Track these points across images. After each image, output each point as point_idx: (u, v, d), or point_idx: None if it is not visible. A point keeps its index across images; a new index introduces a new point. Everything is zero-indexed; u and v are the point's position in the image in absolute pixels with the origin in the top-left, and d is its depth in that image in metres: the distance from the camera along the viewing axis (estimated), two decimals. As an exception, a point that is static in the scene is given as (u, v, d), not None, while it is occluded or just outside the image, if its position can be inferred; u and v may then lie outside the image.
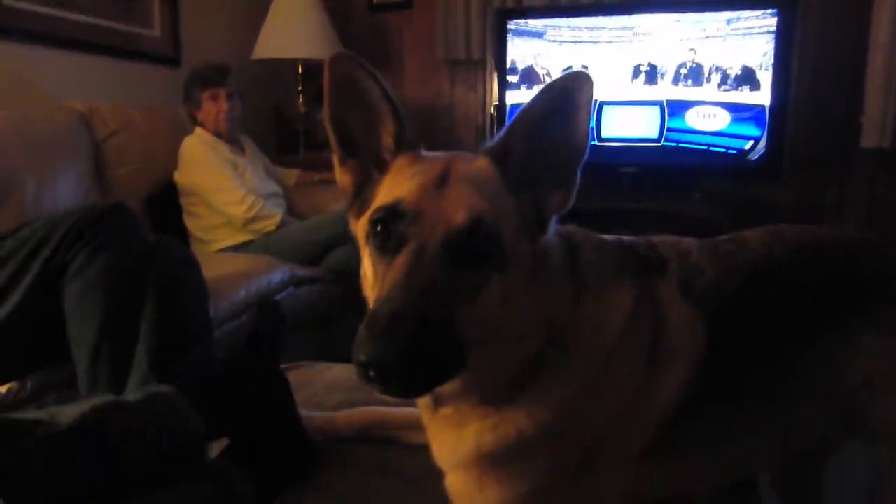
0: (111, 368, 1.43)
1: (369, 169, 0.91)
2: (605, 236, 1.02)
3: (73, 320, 1.48)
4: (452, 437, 0.92)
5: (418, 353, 0.71)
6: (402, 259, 0.77)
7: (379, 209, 0.82)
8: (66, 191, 2.42)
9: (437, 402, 0.92)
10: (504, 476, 0.91)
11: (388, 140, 0.90)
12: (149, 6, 3.28)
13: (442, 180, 0.81)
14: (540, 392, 0.88)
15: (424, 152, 0.90)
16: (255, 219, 2.77)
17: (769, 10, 2.97)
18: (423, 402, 0.94)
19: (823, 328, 1.01)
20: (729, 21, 3.03)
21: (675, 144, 3.19)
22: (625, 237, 1.04)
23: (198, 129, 2.92)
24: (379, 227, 0.81)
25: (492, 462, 0.90)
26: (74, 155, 2.53)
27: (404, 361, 0.70)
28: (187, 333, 1.62)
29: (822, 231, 1.13)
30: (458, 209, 0.78)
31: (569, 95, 0.79)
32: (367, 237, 0.84)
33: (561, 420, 0.88)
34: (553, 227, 0.88)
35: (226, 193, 2.75)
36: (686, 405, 0.93)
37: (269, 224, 2.80)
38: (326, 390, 1.50)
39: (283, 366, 1.63)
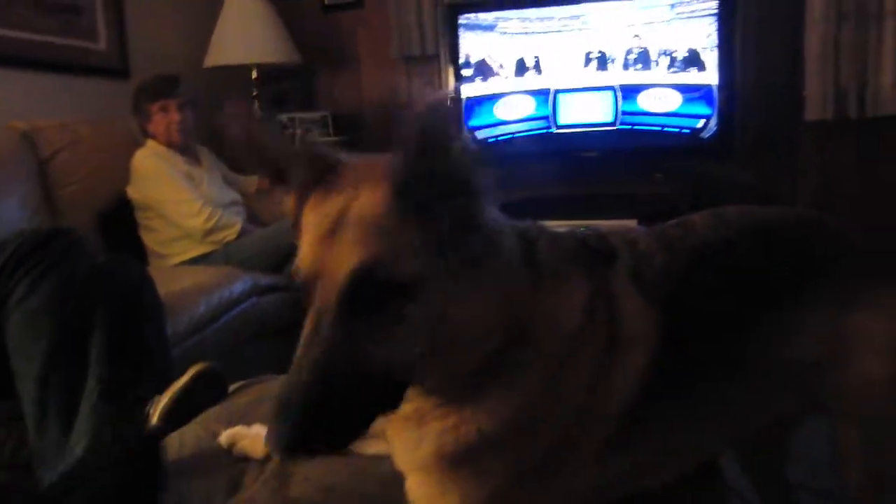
0: (60, 400, 1.40)
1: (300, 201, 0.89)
2: (559, 229, 1.02)
3: (17, 352, 1.44)
4: (413, 437, 0.90)
5: (326, 428, 0.72)
6: (305, 330, 0.77)
7: (292, 273, 0.83)
8: (10, 214, 2.38)
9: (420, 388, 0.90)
10: (467, 477, 0.89)
11: (307, 175, 0.87)
12: (93, 20, 3.23)
13: (335, 227, 0.78)
14: (501, 388, 0.87)
15: (344, 162, 0.87)
16: (214, 230, 2.74)
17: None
18: None
19: (772, 308, 1.03)
20: (672, 6, 3.07)
21: (630, 127, 3.23)
22: (577, 230, 1.05)
23: (150, 142, 2.89)
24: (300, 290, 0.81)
25: (454, 463, 0.88)
26: (17, 177, 2.49)
27: (311, 442, 0.72)
28: (143, 356, 1.60)
29: (767, 210, 1.14)
30: (344, 264, 0.76)
31: (438, 124, 0.76)
32: None
33: (523, 416, 0.87)
34: (494, 222, 0.86)
35: (182, 206, 2.73)
36: (645, 394, 0.93)
37: (230, 234, 2.78)
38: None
39: (244, 381, 1.61)
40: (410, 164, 0.78)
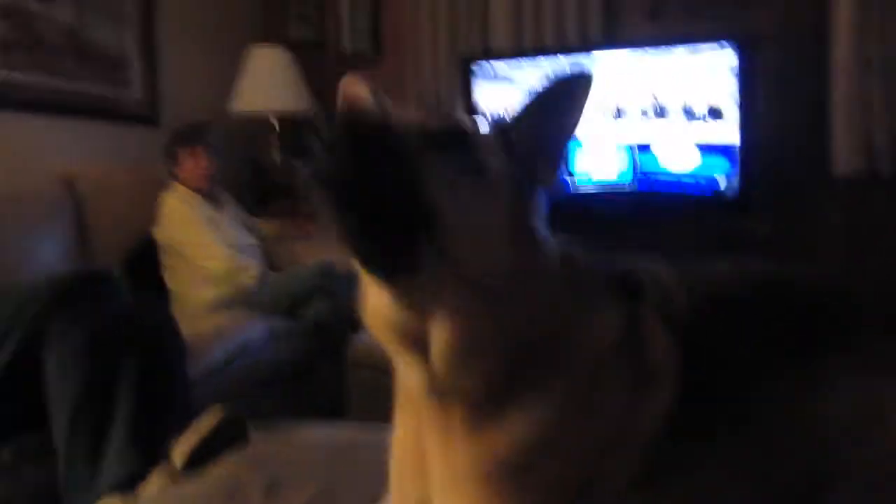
0: (89, 437, 1.46)
1: None
2: (595, 256, 1.04)
3: (52, 389, 1.50)
4: (464, 443, 0.87)
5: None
6: None
7: None
8: (48, 253, 2.48)
9: (440, 394, 0.87)
10: (515, 490, 0.86)
11: None
12: (130, 70, 3.39)
13: None
14: (529, 403, 0.86)
15: None
16: (232, 273, 2.81)
17: (729, 48, 2.97)
18: (420, 398, 0.89)
19: (794, 364, 1.02)
20: (691, 60, 3.04)
21: (648, 184, 3.19)
22: (609, 258, 1.03)
23: (177, 185, 2.99)
24: None
25: (506, 473, 0.86)
26: (57, 217, 2.61)
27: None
28: (167, 397, 1.65)
29: (788, 269, 1.18)
30: None
31: (573, 89, 0.85)
32: None
33: (552, 435, 0.86)
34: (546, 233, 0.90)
35: (203, 248, 2.81)
36: (668, 434, 0.92)
37: (248, 278, 2.85)
38: (307, 450, 1.47)
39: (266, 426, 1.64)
40: (523, 120, 0.86)
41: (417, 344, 0.83)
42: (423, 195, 0.75)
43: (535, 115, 0.88)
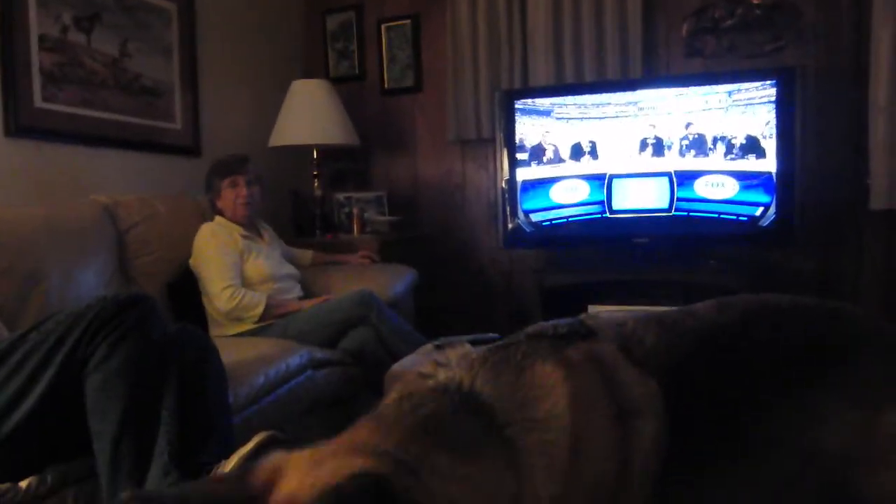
0: (132, 460, 1.45)
1: None
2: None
3: (94, 412, 1.50)
4: None
5: None
6: None
7: None
8: (89, 281, 2.48)
9: None
10: None
11: None
12: (171, 102, 3.43)
13: None
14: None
15: None
16: (236, 309, 2.75)
17: (768, 81, 3.04)
18: None
19: (779, 394, 1.01)
20: (730, 93, 3.10)
21: (686, 214, 3.22)
22: (546, 322, 1.06)
23: (217, 217, 2.99)
24: None
25: None
26: (99, 247, 2.61)
27: None
28: (207, 422, 1.64)
29: (781, 299, 1.14)
30: None
31: None
32: None
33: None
34: None
35: (211, 284, 2.78)
36: (663, 467, 0.92)
37: (254, 314, 2.77)
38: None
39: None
40: None
41: None
42: None
43: None
